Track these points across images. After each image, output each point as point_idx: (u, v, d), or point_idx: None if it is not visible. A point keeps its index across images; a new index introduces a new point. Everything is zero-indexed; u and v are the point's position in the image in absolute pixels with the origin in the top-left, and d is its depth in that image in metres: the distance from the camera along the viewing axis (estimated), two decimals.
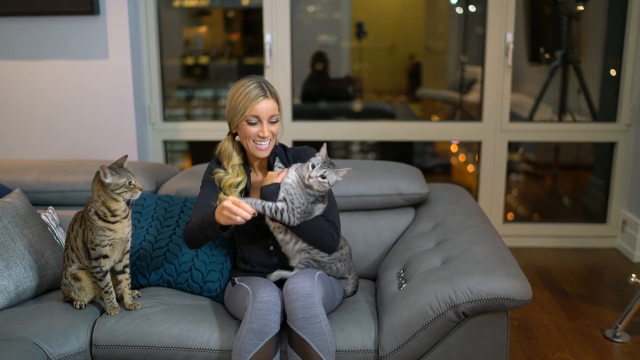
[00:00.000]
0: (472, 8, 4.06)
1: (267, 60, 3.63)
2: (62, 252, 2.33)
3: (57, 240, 2.40)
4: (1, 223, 2.20)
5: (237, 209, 1.84)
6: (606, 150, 3.81)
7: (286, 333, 1.87)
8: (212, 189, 2.13)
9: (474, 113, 3.94)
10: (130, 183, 1.96)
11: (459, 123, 3.97)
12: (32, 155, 3.42)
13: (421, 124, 3.85)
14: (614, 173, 3.75)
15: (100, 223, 1.98)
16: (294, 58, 3.68)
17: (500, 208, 3.81)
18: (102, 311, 2.13)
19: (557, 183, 4.44)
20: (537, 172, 4.45)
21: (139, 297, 2.17)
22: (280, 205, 1.93)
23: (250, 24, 4.14)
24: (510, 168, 4.12)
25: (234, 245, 2.30)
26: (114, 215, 1.99)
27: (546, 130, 3.77)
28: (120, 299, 2.12)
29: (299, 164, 2.01)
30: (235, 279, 2.12)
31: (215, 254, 2.27)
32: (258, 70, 3.83)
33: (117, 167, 1.98)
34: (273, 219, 1.97)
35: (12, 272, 2.14)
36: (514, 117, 3.76)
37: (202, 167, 2.72)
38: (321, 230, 2.01)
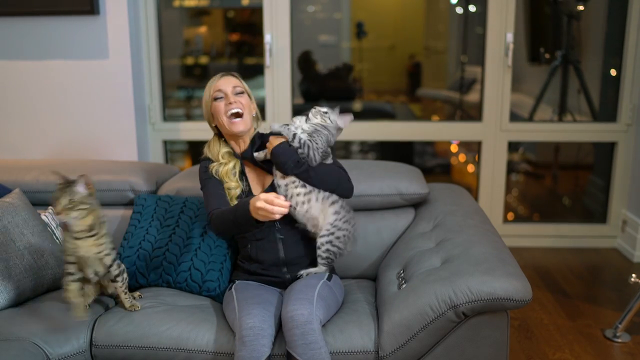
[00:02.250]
0: (472, 8, 4.06)
1: (267, 60, 3.63)
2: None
3: (57, 240, 2.40)
4: (1, 223, 2.20)
5: (272, 207, 1.83)
6: (606, 150, 3.81)
7: (281, 352, 1.87)
8: (214, 180, 2.14)
9: (474, 113, 3.94)
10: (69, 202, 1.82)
11: (459, 123, 3.97)
12: (32, 155, 3.42)
13: (421, 124, 3.85)
14: (614, 173, 3.75)
15: (66, 233, 1.91)
16: (294, 58, 3.68)
17: (500, 208, 3.81)
18: (102, 311, 2.13)
19: (557, 183, 4.43)
20: (537, 172, 4.45)
21: (140, 297, 2.16)
22: (306, 137, 1.98)
23: (248, 24, 4.13)
24: (510, 168, 4.11)
25: (234, 245, 2.30)
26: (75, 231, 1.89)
27: (546, 130, 3.77)
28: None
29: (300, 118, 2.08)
30: (233, 286, 2.10)
31: (215, 253, 2.27)
32: (258, 70, 3.83)
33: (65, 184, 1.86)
34: (295, 167, 1.98)
35: (12, 272, 2.14)
36: (514, 117, 3.76)
37: None
38: (337, 173, 2.05)
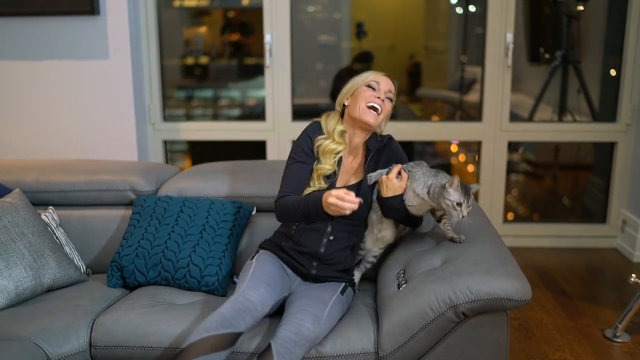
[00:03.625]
0: (472, 8, 4.06)
1: (267, 60, 3.63)
2: (62, 252, 2.33)
3: (57, 240, 2.41)
4: (1, 223, 2.20)
5: (343, 203, 1.82)
6: (606, 150, 3.81)
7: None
8: (306, 161, 2.11)
9: (474, 113, 3.94)
10: None
11: (459, 123, 3.97)
12: (32, 155, 3.42)
13: (421, 124, 3.85)
14: (614, 173, 3.75)
15: None
16: (294, 58, 3.68)
17: (500, 208, 3.81)
18: (102, 311, 2.14)
19: (557, 183, 4.44)
20: (537, 172, 4.45)
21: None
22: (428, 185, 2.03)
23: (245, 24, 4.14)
24: (510, 168, 4.11)
25: (233, 241, 2.34)
26: None
27: (546, 130, 3.77)
28: None
29: (428, 176, 2.12)
30: (256, 255, 2.12)
31: (213, 249, 2.28)
32: (258, 70, 3.83)
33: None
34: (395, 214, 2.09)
35: (12, 272, 2.14)
36: (514, 117, 3.76)
37: (203, 167, 2.72)
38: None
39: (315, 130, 2.15)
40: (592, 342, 2.68)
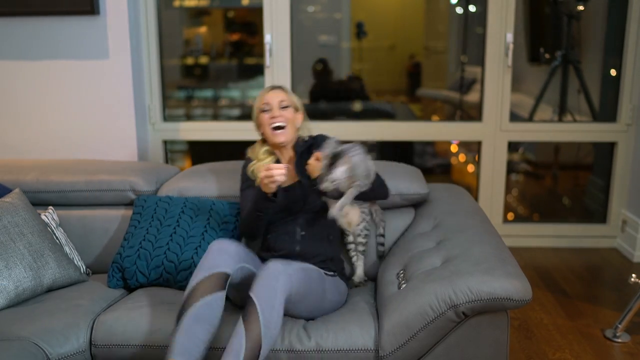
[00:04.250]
0: (472, 8, 4.06)
1: (267, 60, 3.63)
2: (62, 252, 2.33)
3: (57, 240, 2.41)
4: (1, 223, 2.20)
5: (270, 172, 1.97)
6: (606, 150, 3.81)
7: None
8: (251, 184, 2.27)
9: (474, 113, 3.94)
10: None
11: (459, 123, 3.97)
12: (32, 155, 3.42)
13: (421, 124, 3.85)
14: (614, 173, 3.75)
15: None
16: (294, 58, 3.68)
17: (500, 208, 3.81)
18: (102, 311, 2.14)
19: (557, 183, 4.44)
20: (537, 172, 4.45)
21: None
22: (354, 191, 2.02)
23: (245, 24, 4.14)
24: (510, 168, 4.11)
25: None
26: None
27: (546, 130, 3.77)
28: None
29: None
30: None
31: None
32: (258, 70, 3.83)
33: None
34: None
35: (12, 272, 2.14)
36: (514, 117, 3.76)
37: (203, 167, 2.73)
38: (380, 185, 2.20)
39: (247, 163, 2.34)
40: (592, 342, 2.68)
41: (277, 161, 2.30)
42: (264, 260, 2.18)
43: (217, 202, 2.42)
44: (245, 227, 2.23)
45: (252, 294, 1.82)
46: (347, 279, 2.30)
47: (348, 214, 2.10)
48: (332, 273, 2.17)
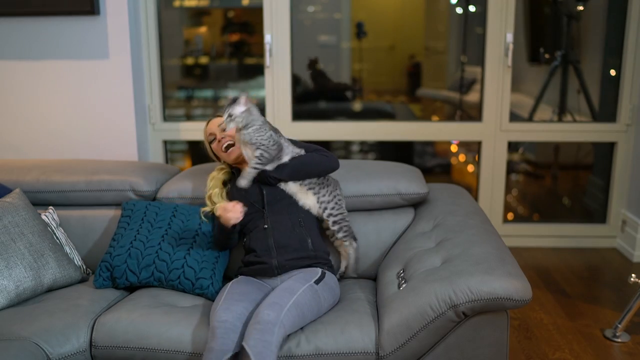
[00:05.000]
0: (472, 8, 4.06)
1: (267, 60, 3.63)
2: (62, 252, 2.33)
3: (57, 240, 2.41)
4: (1, 223, 2.20)
5: (226, 214, 2.11)
6: (606, 150, 3.81)
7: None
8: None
9: (474, 113, 3.94)
10: None
11: (459, 123, 3.97)
12: (32, 155, 3.42)
13: (421, 124, 3.85)
14: (613, 173, 3.75)
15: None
16: (294, 58, 3.68)
17: (500, 208, 3.81)
18: (102, 311, 2.14)
19: (557, 183, 4.44)
20: (537, 172, 4.45)
21: None
22: (257, 152, 2.19)
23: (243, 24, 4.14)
24: (510, 168, 4.11)
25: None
26: None
27: (546, 130, 3.77)
28: None
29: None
30: (234, 279, 2.19)
31: (208, 253, 2.28)
32: (258, 70, 3.83)
33: None
34: (271, 177, 2.24)
35: (12, 272, 2.14)
36: (514, 117, 3.77)
37: (203, 167, 2.73)
38: (310, 158, 2.26)
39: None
40: (592, 342, 2.68)
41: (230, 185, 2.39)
42: (250, 264, 2.21)
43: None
44: (218, 246, 2.32)
45: (247, 347, 1.80)
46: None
47: (302, 200, 2.27)
48: (319, 273, 2.13)
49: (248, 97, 2.18)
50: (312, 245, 2.22)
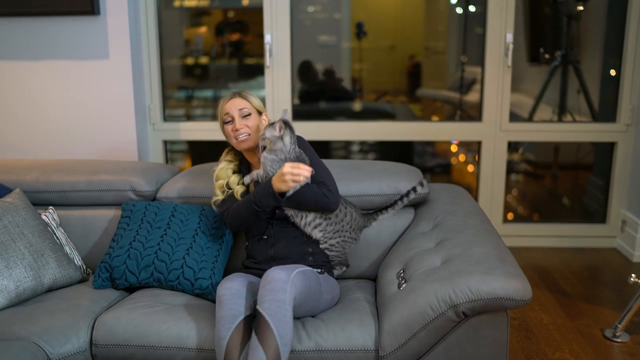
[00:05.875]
0: (472, 8, 4.06)
1: (267, 60, 3.63)
2: (62, 252, 2.33)
3: (57, 240, 2.41)
4: (1, 223, 2.20)
5: (298, 170, 2.01)
6: (606, 150, 3.81)
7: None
8: (228, 198, 2.28)
9: (474, 113, 3.94)
10: None
11: (459, 123, 3.97)
12: (32, 155, 3.42)
13: (421, 124, 3.85)
14: (613, 173, 3.75)
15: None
16: (294, 58, 3.68)
17: (500, 208, 3.81)
18: (102, 310, 2.14)
19: (557, 183, 4.44)
20: (537, 172, 4.46)
21: None
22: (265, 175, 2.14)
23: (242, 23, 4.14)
24: (510, 168, 4.12)
25: (225, 245, 2.37)
26: None
27: (546, 130, 3.77)
28: None
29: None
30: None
31: (207, 253, 2.28)
32: (258, 70, 3.83)
33: None
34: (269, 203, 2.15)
35: (12, 272, 2.14)
36: (514, 117, 3.77)
37: (203, 167, 2.73)
38: (311, 193, 2.12)
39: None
40: (592, 342, 2.69)
41: (246, 167, 2.32)
42: (250, 269, 2.23)
43: (206, 208, 2.42)
44: (233, 219, 2.22)
45: (261, 309, 1.82)
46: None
47: (311, 231, 2.21)
48: (319, 270, 2.17)
49: (284, 122, 2.11)
50: (313, 257, 2.22)
